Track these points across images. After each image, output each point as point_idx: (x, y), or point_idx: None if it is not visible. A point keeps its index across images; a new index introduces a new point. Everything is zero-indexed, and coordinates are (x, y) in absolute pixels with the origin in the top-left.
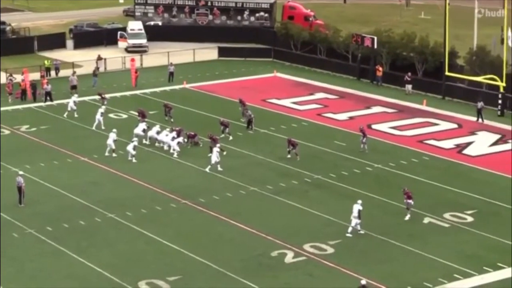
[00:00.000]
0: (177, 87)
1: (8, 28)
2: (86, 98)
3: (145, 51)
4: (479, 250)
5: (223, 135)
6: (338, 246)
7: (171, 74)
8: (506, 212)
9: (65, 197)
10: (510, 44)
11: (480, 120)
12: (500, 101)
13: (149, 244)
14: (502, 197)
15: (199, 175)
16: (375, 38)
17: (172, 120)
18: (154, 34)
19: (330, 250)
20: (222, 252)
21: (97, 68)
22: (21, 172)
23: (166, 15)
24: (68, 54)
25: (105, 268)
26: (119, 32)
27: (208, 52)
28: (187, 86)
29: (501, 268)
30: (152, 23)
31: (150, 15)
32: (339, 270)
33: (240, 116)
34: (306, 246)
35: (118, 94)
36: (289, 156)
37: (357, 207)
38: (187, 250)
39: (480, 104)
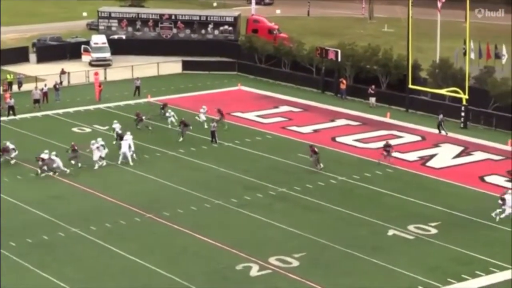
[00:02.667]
0: (141, 100)
1: None
2: (49, 112)
3: (109, 65)
4: (443, 262)
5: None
6: (303, 259)
7: (137, 88)
8: (469, 224)
9: (28, 212)
10: (472, 57)
11: (443, 132)
12: (463, 114)
13: (114, 258)
14: (466, 209)
15: (163, 189)
16: (339, 51)
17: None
18: (118, 47)
19: (295, 263)
20: (187, 265)
21: (61, 82)
22: None
23: (130, 28)
24: (31, 68)
25: (70, 283)
26: (82, 46)
27: (172, 65)
28: (152, 99)
29: (464, 279)
30: (116, 36)
31: (113, 28)
32: (304, 283)
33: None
34: (271, 259)
35: (81, 108)
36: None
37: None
38: (152, 264)
39: (440, 117)
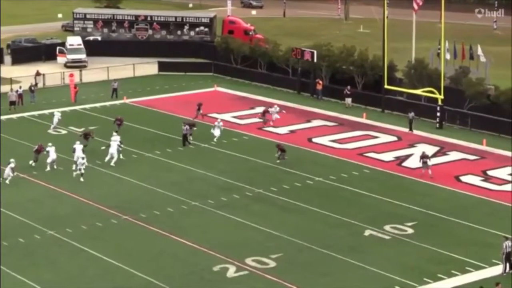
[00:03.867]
0: (117, 102)
1: None
2: (24, 115)
3: (84, 66)
4: (419, 262)
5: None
6: (279, 260)
7: (115, 90)
8: (445, 223)
9: (4, 215)
10: (447, 57)
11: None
12: (438, 114)
13: (90, 260)
14: (441, 209)
15: (140, 190)
16: (315, 52)
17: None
18: (94, 49)
19: (272, 264)
20: (164, 267)
21: (36, 84)
22: None
23: (105, 30)
24: (6, 70)
25: (46, 286)
26: (58, 48)
27: (148, 67)
28: (127, 101)
29: (440, 279)
30: (91, 38)
31: (89, 30)
32: (281, 283)
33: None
34: (248, 260)
35: (57, 110)
36: (278, 161)
37: None
38: (128, 266)
39: (411, 115)
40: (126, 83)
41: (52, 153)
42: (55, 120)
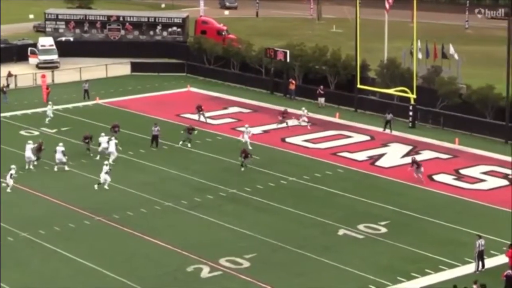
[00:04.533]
0: (90, 103)
1: None
2: None
3: (56, 67)
4: (393, 261)
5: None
6: (253, 260)
7: (86, 91)
8: (418, 222)
9: None
10: (419, 57)
11: (387, 130)
12: (411, 113)
13: (63, 262)
14: (414, 208)
15: (113, 191)
16: (288, 51)
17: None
18: (66, 49)
19: (246, 264)
20: (137, 268)
21: (8, 85)
22: None
23: (77, 30)
24: None
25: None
26: (29, 48)
27: (120, 67)
28: (100, 102)
29: (414, 277)
30: (63, 38)
31: (61, 30)
32: (255, 284)
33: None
34: (222, 261)
35: (29, 111)
36: (242, 169)
37: None
38: (102, 267)
39: (389, 116)
40: (98, 84)
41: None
42: (49, 113)
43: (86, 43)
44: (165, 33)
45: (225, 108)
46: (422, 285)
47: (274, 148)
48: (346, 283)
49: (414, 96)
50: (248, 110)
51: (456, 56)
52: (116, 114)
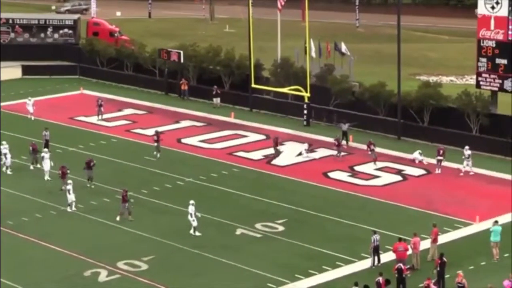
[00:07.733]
0: None
1: None
2: None
3: None
4: (291, 258)
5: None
6: (151, 262)
7: None
8: (314, 220)
9: None
10: (313, 55)
11: (343, 142)
12: (305, 111)
13: None
14: (310, 205)
15: (6, 197)
16: (181, 52)
17: None
18: None
19: (144, 266)
20: (34, 274)
21: None
22: None
23: None
24: None
25: None
26: None
27: (11, 70)
28: None
29: (312, 274)
30: None
31: None
32: (153, 286)
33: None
34: (120, 264)
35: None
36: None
37: None
38: None
39: (345, 126)
40: None
41: None
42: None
43: None
44: (56, 35)
45: (120, 110)
46: (320, 282)
47: (170, 149)
48: (245, 282)
49: (308, 94)
50: (143, 112)
51: (348, 53)
52: (8, 119)
